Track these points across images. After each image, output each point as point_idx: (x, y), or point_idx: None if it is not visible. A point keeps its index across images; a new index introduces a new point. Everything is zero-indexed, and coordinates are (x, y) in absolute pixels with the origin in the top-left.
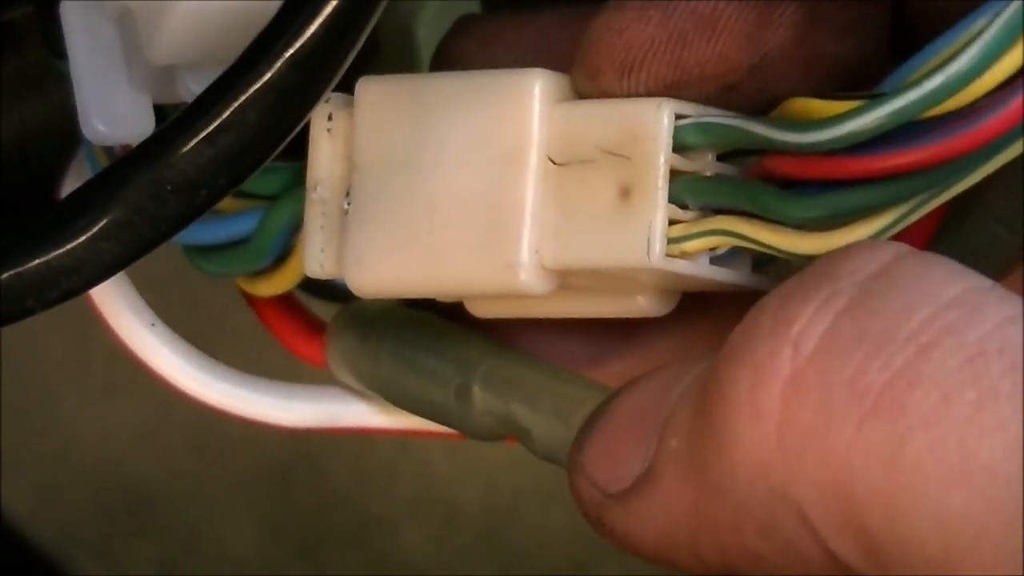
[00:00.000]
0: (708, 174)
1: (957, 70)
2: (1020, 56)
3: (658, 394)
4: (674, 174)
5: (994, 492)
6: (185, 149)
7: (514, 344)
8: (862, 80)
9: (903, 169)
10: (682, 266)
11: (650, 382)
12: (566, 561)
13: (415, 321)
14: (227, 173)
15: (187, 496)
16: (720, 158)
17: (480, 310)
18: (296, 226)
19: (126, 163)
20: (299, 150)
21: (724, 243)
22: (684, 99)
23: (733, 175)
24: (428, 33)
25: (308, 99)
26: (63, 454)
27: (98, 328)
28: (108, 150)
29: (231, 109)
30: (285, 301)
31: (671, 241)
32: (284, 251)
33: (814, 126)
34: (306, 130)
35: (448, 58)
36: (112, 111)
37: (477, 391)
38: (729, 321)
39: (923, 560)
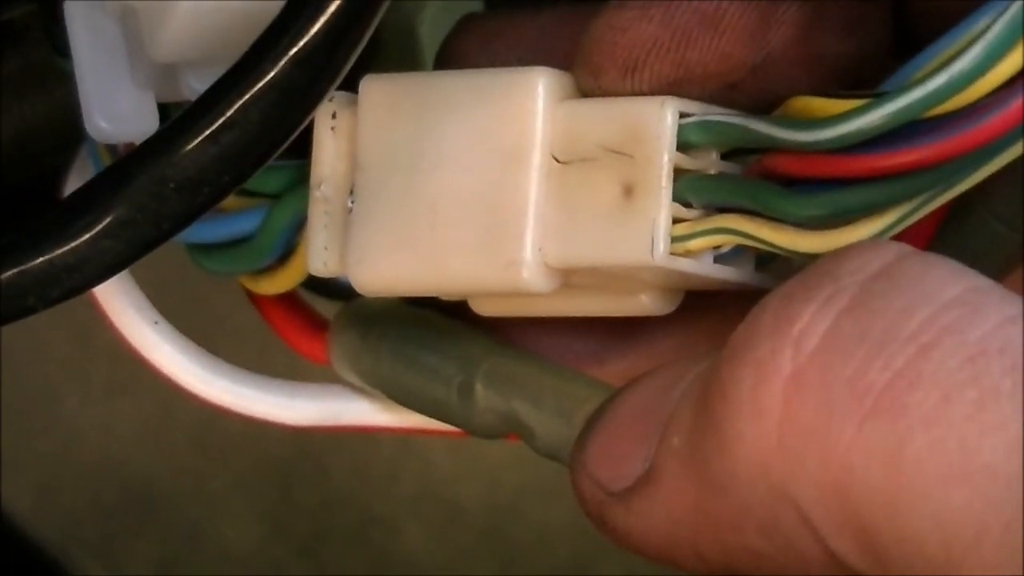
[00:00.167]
0: (711, 172)
1: (960, 69)
2: (1022, 56)
3: (660, 393)
4: (677, 172)
5: (995, 492)
6: (188, 147)
7: (516, 342)
8: (863, 79)
9: (905, 168)
10: (685, 264)
11: (652, 381)
12: (567, 559)
13: (417, 319)
14: (230, 171)
15: (188, 495)
16: (723, 156)
17: (483, 308)
18: (299, 224)
19: (129, 161)
20: (303, 148)
21: (727, 241)
22: (687, 97)
23: (736, 173)
24: (431, 32)
25: (311, 98)
26: (64, 453)
27: (100, 327)
28: (111, 148)
29: (235, 107)
30: (288, 299)
31: (674, 239)
32: (287, 249)
33: (817, 125)
34: (310, 128)
35: (451, 57)
36: (115, 109)
37: (479, 389)
38: (731, 320)
39: (923, 559)
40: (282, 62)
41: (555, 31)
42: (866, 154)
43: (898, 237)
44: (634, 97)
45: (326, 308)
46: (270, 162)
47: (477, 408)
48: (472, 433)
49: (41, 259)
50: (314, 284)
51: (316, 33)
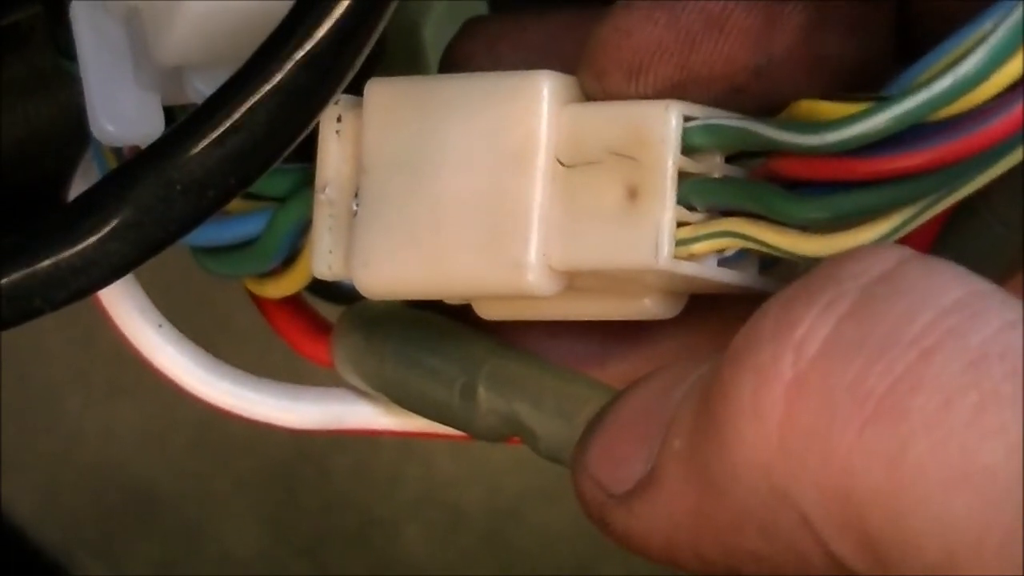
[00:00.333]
0: (715, 176)
1: (964, 73)
2: None
3: (661, 395)
4: (682, 176)
5: (995, 495)
6: (195, 150)
7: (519, 344)
8: (867, 82)
9: (910, 171)
10: (690, 268)
11: (653, 383)
12: (569, 563)
13: (420, 321)
14: (236, 174)
15: (190, 497)
16: (727, 160)
17: (488, 312)
18: (304, 227)
19: (135, 164)
20: (308, 151)
21: (731, 245)
22: (691, 101)
23: (740, 176)
24: (436, 35)
25: (318, 101)
26: (66, 454)
27: (102, 329)
28: (116, 151)
29: (241, 110)
30: (292, 302)
31: (679, 243)
32: (292, 252)
33: (821, 128)
34: (315, 131)
35: (456, 60)
36: (121, 111)
37: (482, 391)
38: (734, 323)
39: (924, 563)
40: (289, 65)
41: (560, 34)
42: (870, 157)
43: (901, 240)
44: (639, 100)
45: (330, 312)
46: (276, 165)
47: (479, 410)
48: (474, 436)
49: (47, 261)
50: (318, 288)
51: (323, 36)
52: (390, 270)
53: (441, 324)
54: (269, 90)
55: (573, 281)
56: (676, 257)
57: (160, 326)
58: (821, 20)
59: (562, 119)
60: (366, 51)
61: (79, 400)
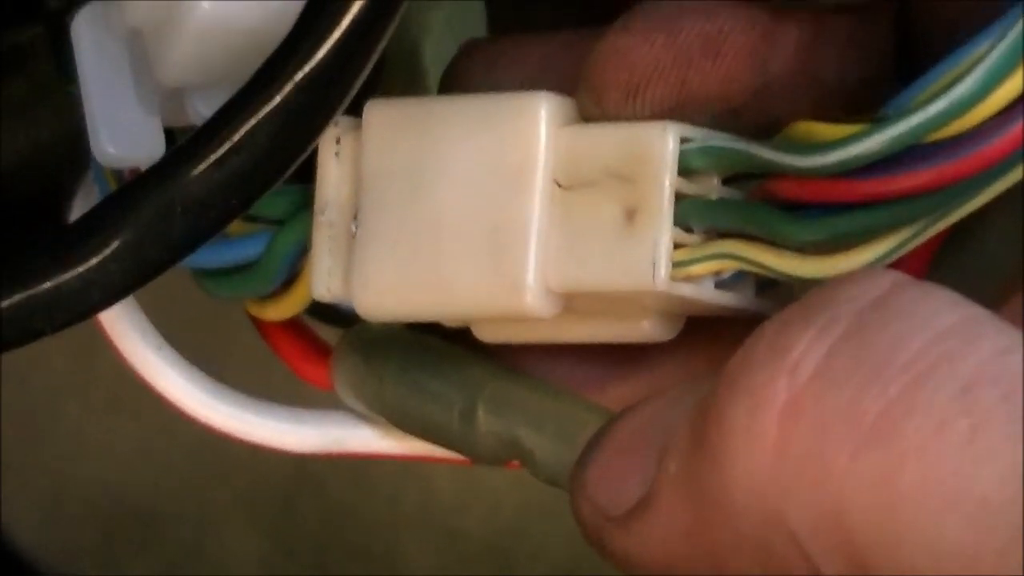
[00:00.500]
0: (713, 197)
1: (960, 94)
2: (1022, 79)
3: (657, 417)
4: (679, 197)
5: (987, 521)
6: (195, 172)
7: (518, 368)
8: (866, 102)
9: (907, 192)
10: (687, 289)
11: (650, 406)
12: None
13: (420, 345)
14: (237, 196)
15: (190, 513)
16: (725, 181)
17: (486, 335)
18: (304, 249)
19: (136, 185)
20: (307, 173)
21: (728, 266)
22: (689, 121)
23: (737, 198)
24: (435, 56)
25: (317, 122)
26: (66, 470)
27: (102, 345)
28: (117, 172)
29: (241, 132)
30: (292, 325)
31: (676, 264)
32: (292, 274)
33: (818, 149)
34: (314, 153)
35: (455, 81)
36: (122, 133)
37: (481, 414)
38: (732, 346)
39: None
40: (288, 87)
41: (558, 56)
42: (867, 179)
43: (899, 260)
44: (636, 122)
45: (330, 334)
46: (276, 187)
47: (479, 433)
48: (474, 459)
49: (48, 283)
50: (318, 310)
51: (322, 58)
52: (389, 292)
53: (441, 347)
54: (269, 112)
55: (571, 303)
56: (673, 279)
57: (160, 348)
58: (819, 40)
59: (560, 140)
60: (365, 73)
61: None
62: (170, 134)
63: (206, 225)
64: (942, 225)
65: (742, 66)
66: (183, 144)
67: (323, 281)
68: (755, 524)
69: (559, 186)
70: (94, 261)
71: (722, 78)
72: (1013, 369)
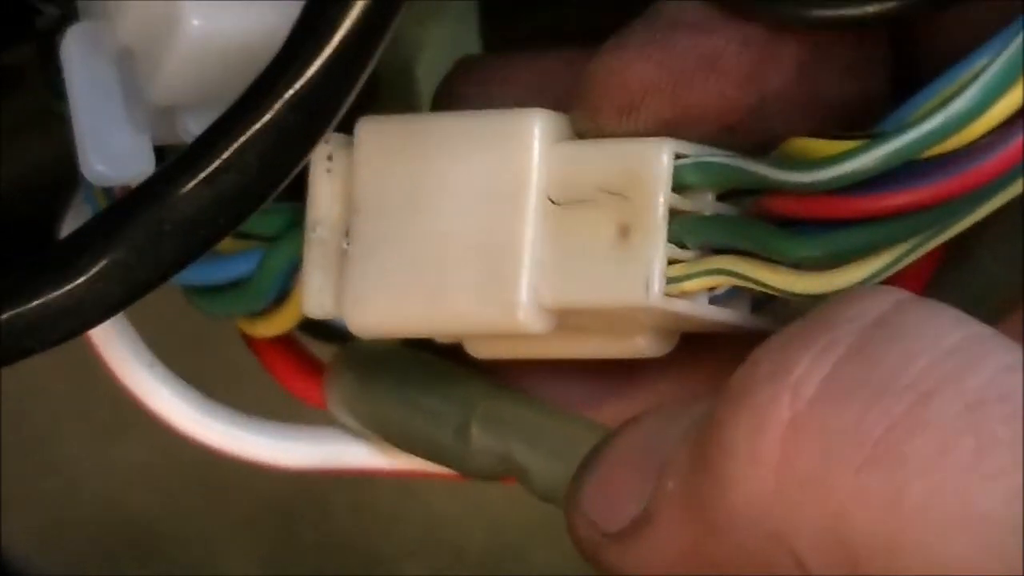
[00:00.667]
0: (707, 213)
1: (957, 110)
2: (1020, 96)
3: (655, 435)
4: (673, 213)
5: (993, 540)
6: (185, 190)
7: (512, 385)
8: (863, 120)
9: (903, 209)
10: (681, 306)
11: (648, 422)
12: None
13: (414, 361)
14: (227, 214)
15: (190, 535)
16: (720, 197)
17: (479, 351)
18: (296, 266)
19: (126, 204)
20: (299, 190)
21: (723, 282)
22: (683, 138)
23: (732, 214)
24: (428, 73)
25: (308, 140)
26: (65, 493)
27: (100, 366)
28: (107, 191)
29: (231, 150)
30: (285, 342)
31: (670, 280)
32: (283, 292)
33: (814, 165)
34: (305, 170)
35: (448, 98)
36: (111, 151)
37: (476, 431)
38: (728, 363)
39: None
40: (278, 105)
41: (553, 73)
42: (863, 195)
43: (897, 277)
44: (631, 139)
45: (323, 351)
46: (266, 204)
47: (474, 450)
48: (469, 475)
49: (37, 302)
50: (311, 327)
51: (313, 76)
52: (381, 309)
53: (435, 364)
54: (259, 129)
55: (565, 319)
56: (667, 295)
57: (152, 365)
58: (815, 59)
59: (553, 157)
60: (356, 91)
61: (78, 438)
62: (160, 152)
63: (196, 243)
64: (939, 240)
65: (738, 84)
66: (173, 162)
67: (315, 298)
68: (757, 543)
69: (553, 202)
70: (83, 279)
71: (717, 96)
72: (1018, 387)
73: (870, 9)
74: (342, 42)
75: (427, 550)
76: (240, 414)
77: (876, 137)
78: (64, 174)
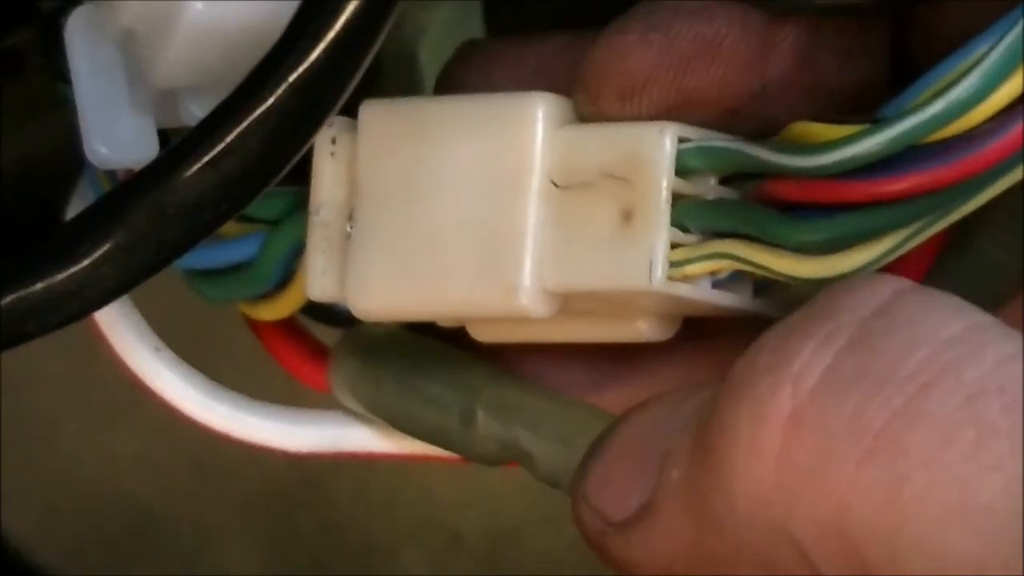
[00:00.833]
0: (709, 198)
1: (958, 95)
2: (1020, 83)
3: (659, 423)
4: (676, 198)
5: (993, 531)
6: (188, 173)
7: (516, 370)
8: (863, 106)
9: (904, 194)
10: (684, 290)
11: (651, 411)
12: None
13: (418, 346)
14: (230, 198)
15: (189, 520)
16: (722, 182)
17: (482, 334)
18: (299, 250)
19: (128, 187)
20: (302, 174)
21: (725, 267)
22: (686, 123)
23: (735, 199)
24: (431, 57)
25: (311, 124)
26: (64, 478)
27: (100, 352)
28: (110, 174)
29: (234, 134)
30: (288, 326)
31: (673, 264)
32: (286, 275)
33: (816, 150)
34: (309, 153)
35: (451, 82)
36: (115, 135)
37: (481, 416)
38: (731, 349)
39: None
40: (281, 89)
41: (555, 58)
42: (865, 179)
43: (899, 263)
44: (633, 123)
45: (326, 334)
46: (269, 188)
47: (478, 435)
48: (473, 460)
49: (40, 285)
50: (314, 310)
51: (316, 59)
52: (384, 292)
53: (439, 349)
54: (262, 113)
55: (567, 303)
56: (670, 279)
57: (157, 349)
58: (816, 45)
59: (556, 141)
60: (360, 74)
61: (77, 424)
62: (164, 135)
63: (199, 227)
64: (941, 226)
65: (739, 70)
66: (176, 146)
67: (318, 281)
68: (759, 533)
69: (556, 186)
70: (86, 263)
71: (719, 81)
72: (1018, 377)
73: None
74: (345, 26)
75: (425, 535)
76: (245, 398)
77: (878, 122)
78: (69, 158)
